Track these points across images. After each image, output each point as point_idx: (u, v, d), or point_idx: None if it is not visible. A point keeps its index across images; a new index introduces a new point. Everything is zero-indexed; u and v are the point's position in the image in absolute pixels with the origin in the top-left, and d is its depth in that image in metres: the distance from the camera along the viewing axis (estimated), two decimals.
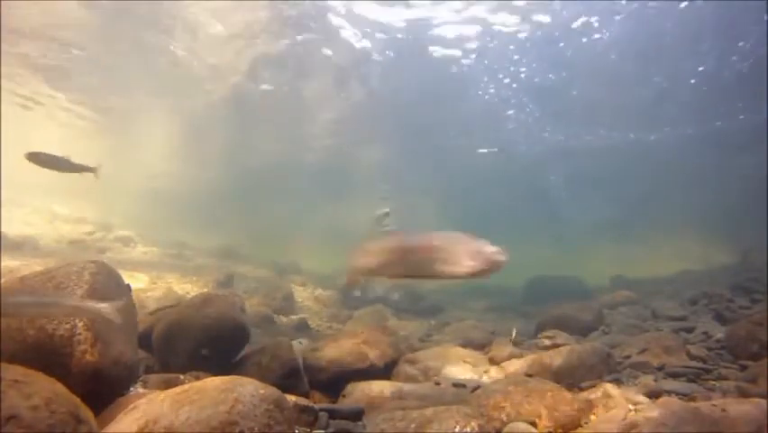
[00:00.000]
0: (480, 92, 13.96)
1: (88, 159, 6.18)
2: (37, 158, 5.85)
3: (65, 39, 12.44)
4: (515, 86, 13.47)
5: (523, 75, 12.91)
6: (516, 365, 5.07)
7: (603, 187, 22.27)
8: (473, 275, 2.75)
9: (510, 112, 14.93)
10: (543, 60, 12.26)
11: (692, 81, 12.26)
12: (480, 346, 6.61)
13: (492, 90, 13.80)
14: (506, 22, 11.08)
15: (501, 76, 12.97)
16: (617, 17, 10.40)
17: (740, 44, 10.38)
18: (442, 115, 15.70)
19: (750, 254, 13.08)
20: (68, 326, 2.94)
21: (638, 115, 14.64)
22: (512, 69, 12.63)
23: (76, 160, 6.09)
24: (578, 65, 12.16)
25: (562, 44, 11.57)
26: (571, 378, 4.47)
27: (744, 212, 21.57)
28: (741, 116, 13.71)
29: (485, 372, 5.32)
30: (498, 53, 12.06)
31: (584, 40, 11.18)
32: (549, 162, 19.09)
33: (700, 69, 11.79)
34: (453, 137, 17.81)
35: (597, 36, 11.13)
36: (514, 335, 8.03)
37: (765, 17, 9.52)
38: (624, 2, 9.89)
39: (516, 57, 12.08)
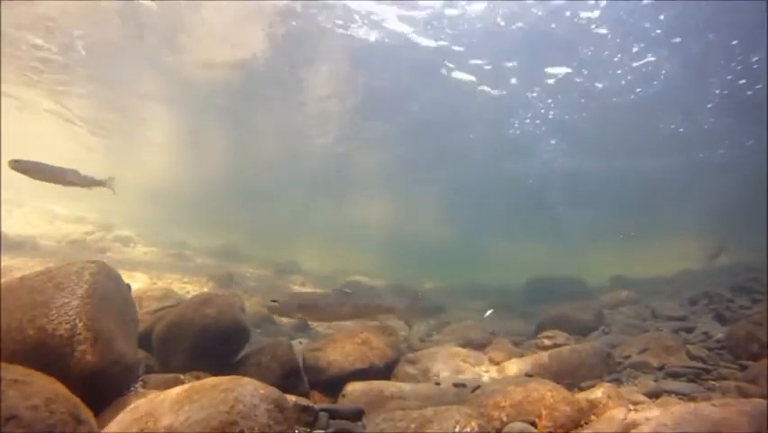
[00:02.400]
0: (510, 130, 18.32)
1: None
2: (20, 165, 5.08)
3: (68, 37, 12.46)
4: (538, 122, 17.70)
5: (551, 115, 17.02)
6: (516, 365, 5.07)
7: (607, 197, 25.06)
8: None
9: (552, 141, 19.21)
10: (566, 105, 16.17)
11: (681, 130, 17.11)
12: (480, 346, 6.61)
13: (517, 124, 18.06)
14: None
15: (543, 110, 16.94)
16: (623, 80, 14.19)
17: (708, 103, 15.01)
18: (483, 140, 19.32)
19: (724, 252, 12.72)
20: (68, 326, 2.93)
21: (639, 146, 18.82)
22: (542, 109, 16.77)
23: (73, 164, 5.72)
24: (593, 109, 16.27)
25: (582, 100, 15.68)
26: (571, 378, 4.47)
27: (735, 215, 23.41)
28: (721, 151, 18.72)
29: (485, 372, 5.32)
30: (531, 98, 15.96)
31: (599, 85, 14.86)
32: (560, 178, 22.49)
33: (672, 126, 16.96)
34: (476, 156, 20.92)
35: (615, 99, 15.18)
36: (488, 314, 8.07)
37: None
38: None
39: (548, 101, 16.08)
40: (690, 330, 6.39)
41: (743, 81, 13.23)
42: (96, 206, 23.40)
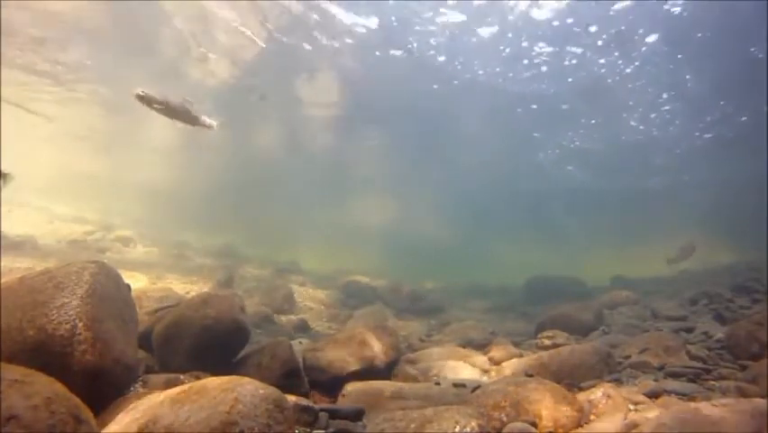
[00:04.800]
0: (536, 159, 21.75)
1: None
2: None
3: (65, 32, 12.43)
4: (558, 151, 20.91)
5: (573, 146, 20.14)
6: (516, 365, 5.07)
7: (608, 207, 27.45)
8: None
9: (570, 167, 22.38)
10: (591, 138, 19.36)
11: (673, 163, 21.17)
12: (480, 346, 6.62)
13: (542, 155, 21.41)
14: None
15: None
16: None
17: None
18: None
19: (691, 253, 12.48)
20: (68, 326, 2.93)
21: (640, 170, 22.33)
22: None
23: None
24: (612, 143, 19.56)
25: (595, 135, 19.08)
26: (570, 378, 4.47)
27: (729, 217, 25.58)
28: (703, 176, 22.48)
29: (485, 372, 5.32)
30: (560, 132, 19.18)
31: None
32: (567, 192, 25.41)
33: (658, 160, 20.97)
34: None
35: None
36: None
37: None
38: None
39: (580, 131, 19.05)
40: (690, 330, 6.38)
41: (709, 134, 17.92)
42: (96, 206, 23.41)
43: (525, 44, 13.02)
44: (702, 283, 10.82)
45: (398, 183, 26.20)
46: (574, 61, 13.61)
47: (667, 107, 16.15)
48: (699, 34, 11.95)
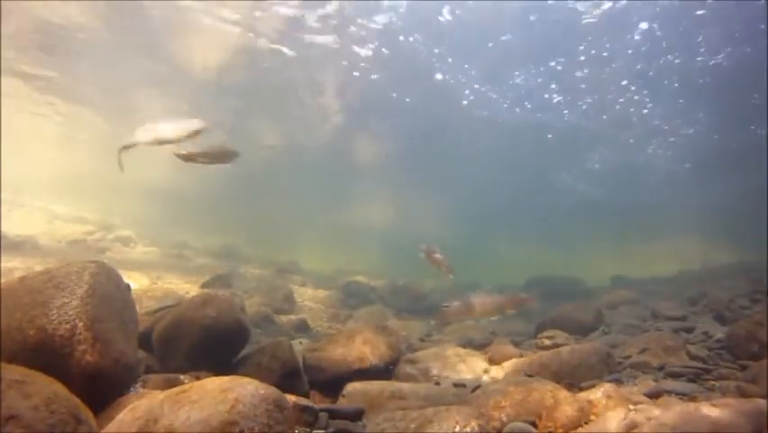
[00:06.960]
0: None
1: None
2: None
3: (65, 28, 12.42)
4: (574, 171, 23.53)
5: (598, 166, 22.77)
6: (516, 365, 5.07)
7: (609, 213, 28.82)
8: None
9: (581, 186, 25.06)
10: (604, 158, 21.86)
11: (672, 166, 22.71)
12: (480, 346, 6.61)
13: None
14: None
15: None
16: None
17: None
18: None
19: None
20: (68, 326, 2.93)
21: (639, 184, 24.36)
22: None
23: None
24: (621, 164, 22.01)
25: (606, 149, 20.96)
26: (571, 378, 4.47)
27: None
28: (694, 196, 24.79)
29: (485, 372, 5.32)
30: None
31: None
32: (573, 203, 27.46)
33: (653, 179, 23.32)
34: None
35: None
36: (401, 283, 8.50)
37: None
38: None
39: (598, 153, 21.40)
40: (690, 330, 6.38)
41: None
42: (96, 206, 23.39)
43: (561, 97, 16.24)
44: (702, 283, 10.83)
45: (400, 184, 26.20)
46: (621, 101, 16.23)
47: (672, 139, 18.97)
48: (700, 81, 14.38)
